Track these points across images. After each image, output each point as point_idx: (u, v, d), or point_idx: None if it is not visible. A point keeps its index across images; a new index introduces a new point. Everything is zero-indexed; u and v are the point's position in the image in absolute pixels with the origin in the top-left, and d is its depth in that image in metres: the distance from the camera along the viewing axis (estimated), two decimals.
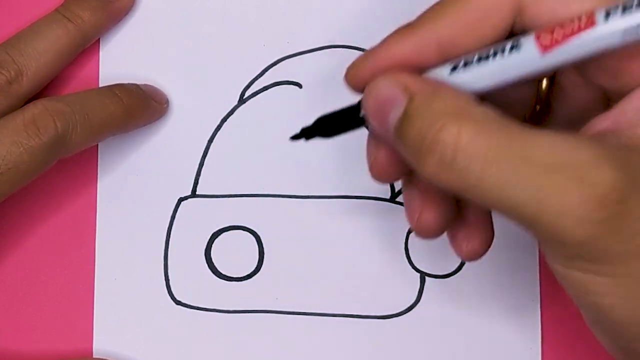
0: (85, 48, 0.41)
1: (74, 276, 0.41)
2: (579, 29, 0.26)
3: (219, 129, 0.42)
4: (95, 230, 0.41)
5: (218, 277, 0.41)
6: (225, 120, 0.42)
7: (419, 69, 0.30)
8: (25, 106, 0.37)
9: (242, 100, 0.42)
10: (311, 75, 0.41)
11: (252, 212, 0.41)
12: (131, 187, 0.41)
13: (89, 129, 0.37)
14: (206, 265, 0.41)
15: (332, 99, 0.41)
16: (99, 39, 0.41)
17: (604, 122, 0.29)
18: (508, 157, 0.26)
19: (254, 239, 0.41)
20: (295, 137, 0.33)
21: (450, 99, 0.28)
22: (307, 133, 0.33)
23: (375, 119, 0.30)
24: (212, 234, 0.41)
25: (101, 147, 0.41)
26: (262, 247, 0.41)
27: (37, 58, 0.38)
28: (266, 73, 0.42)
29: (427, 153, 0.27)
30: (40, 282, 0.41)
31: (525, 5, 0.28)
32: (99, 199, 0.41)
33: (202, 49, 0.42)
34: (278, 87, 0.42)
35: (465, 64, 0.28)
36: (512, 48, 0.27)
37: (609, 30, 0.26)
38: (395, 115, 0.29)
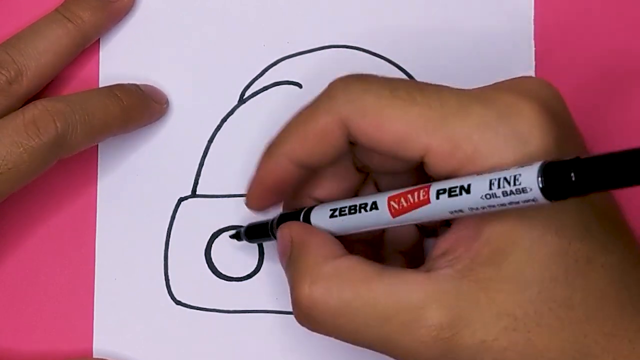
0: (85, 48, 0.41)
1: (74, 276, 0.41)
2: (418, 204, 0.30)
3: (219, 129, 0.42)
4: (95, 230, 0.41)
5: (218, 277, 0.41)
6: (225, 120, 0.42)
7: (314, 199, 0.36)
8: (25, 106, 0.37)
9: (242, 100, 0.42)
10: (311, 75, 0.41)
11: (252, 212, 0.41)
12: (131, 187, 0.41)
13: (89, 129, 0.37)
14: (206, 265, 0.41)
15: None
16: (99, 39, 0.41)
17: (443, 243, 0.32)
18: (354, 309, 0.31)
19: None
20: (233, 236, 0.40)
21: (313, 254, 0.33)
22: (237, 237, 0.40)
23: (280, 260, 0.35)
24: (212, 234, 0.41)
25: (101, 147, 0.41)
26: (262, 247, 0.41)
27: (37, 58, 0.38)
28: (266, 73, 0.42)
29: (293, 306, 0.33)
30: (40, 282, 0.41)
31: (349, 127, 0.32)
32: (99, 199, 0.41)
33: (202, 49, 0.42)
34: (278, 87, 0.42)
35: (340, 213, 0.34)
36: (372, 207, 0.32)
37: (439, 208, 0.30)
38: (285, 261, 0.34)
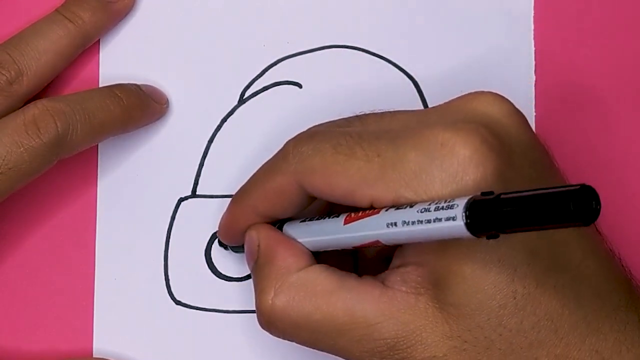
0: (86, 48, 0.41)
1: (74, 276, 0.41)
2: (368, 214, 0.32)
3: (219, 129, 0.42)
4: (95, 230, 0.41)
5: (218, 277, 0.41)
6: (225, 120, 0.42)
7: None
8: (25, 106, 0.37)
9: (242, 100, 0.42)
10: (311, 75, 0.41)
11: None
12: (131, 187, 0.41)
13: (89, 129, 0.37)
14: (206, 265, 0.41)
15: (332, 99, 0.41)
16: (99, 39, 0.41)
17: (397, 259, 0.33)
18: (313, 322, 0.33)
19: None
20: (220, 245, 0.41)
21: (278, 264, 0.34)
22: (224, 246, 0.40)
23: (247, 262, 0.36)
24: (212, 234, 0.41)
25: (101, 147, 0.41)
26: None
27: (37, 58, 0.38)
28: (266, 73, 0.42)
29: (256, 310, 0.34)
30: (40, 282, 0.41)
31: (303, 185, 0.33)
32: (99, 199, 0.41)
33: (202, 49, 0.42)
34: (278, 87, 0.42)
35: (310, 219, 0.35)
36: (331, 216, 0.34)
37: (381, 219, 0.31)
38: (251, 265, 0.36)
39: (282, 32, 0.42)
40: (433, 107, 0.34)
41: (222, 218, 0.38)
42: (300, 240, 0.35)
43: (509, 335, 0.31)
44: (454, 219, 0.28)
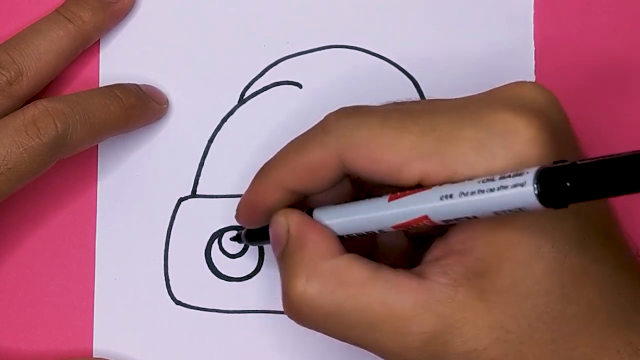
0: (86, 48, 0.41)
1: (74, 276, 0.41)
2: (415, 191, 0.31)
3: (219, 129, 0.42)
4: (95, 230, 0.41)
5: (218, 277, 0.41)
6: (225, 120, 0.42)
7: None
8: (25, 106, 0.37)
9: (242, 100, 0.42)
10: (311, 75, 0.41)
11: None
12: (131, 187, 0.41)
13: (89, 130, 0.37)
14: (206, 265, 0.41)
15: (332, 99, 0.41)
16: (99, 39, 0.41)
17: (436, 251, 0.32)
18: (346, 311, 0.31)
19: None
20: (233, 239, 0.40)
21: (311, 250, 0.32)
22: (238, 239, 0.40)
23: (273, 248, 0.35)
24: (212, 234, 0.41)
25: (101, 147, 0.41)
26: (262, 248, 0.41)
27: (37, 58, 0.38)
28: (266, 73, 0.42)
29: (284, 298, 0.33)
30: (40, 282, 0.41)
31: (344, 162, 0.32)
32: (99, 199, 0.41)
33: (202, 49, 0.42)
34: (278, 87, 0.42)
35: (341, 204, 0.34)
36: (373, 197, 0.33)
37: (432, 194, 0.30)
38: (279, 251, 0.34)
39: (282, 32, 0.42)
40: (476, 95, 0.33)
41: (242, 196, 0.36)
42: (330, 221, 0.34)
43: (552, 323, 0.30)
44: (522, 185, 0.27)
